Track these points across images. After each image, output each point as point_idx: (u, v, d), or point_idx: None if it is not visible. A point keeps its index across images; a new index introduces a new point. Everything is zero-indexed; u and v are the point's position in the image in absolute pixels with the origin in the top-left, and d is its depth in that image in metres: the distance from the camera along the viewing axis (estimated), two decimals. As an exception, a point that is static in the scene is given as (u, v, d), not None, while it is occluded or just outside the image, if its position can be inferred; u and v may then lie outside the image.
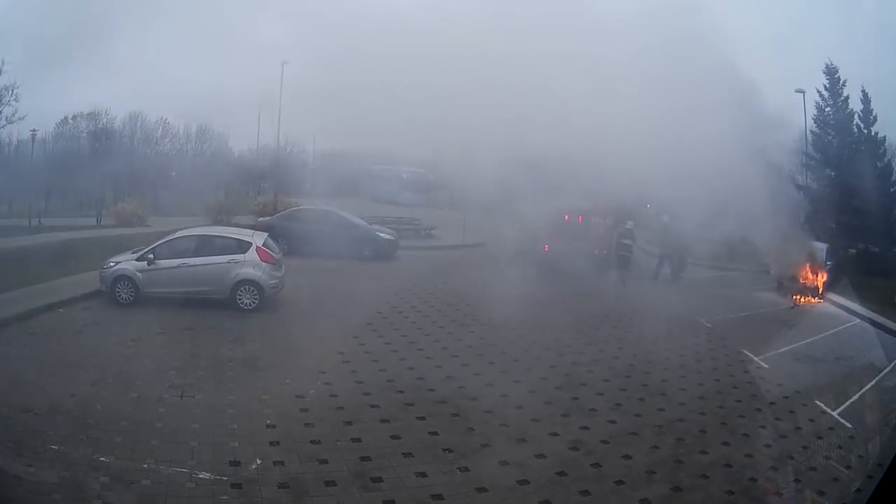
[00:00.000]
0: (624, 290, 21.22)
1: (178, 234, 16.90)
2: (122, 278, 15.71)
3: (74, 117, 35.42)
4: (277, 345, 13.60)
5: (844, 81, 29.99)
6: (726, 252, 22.73)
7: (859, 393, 12.53)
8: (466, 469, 8.85)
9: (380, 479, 8.42)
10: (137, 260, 15.89)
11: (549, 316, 17.48)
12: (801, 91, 24.64)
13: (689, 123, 16.19)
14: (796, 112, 24.78)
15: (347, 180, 26.91)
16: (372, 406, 10.75)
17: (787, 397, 12.40)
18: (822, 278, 21.10)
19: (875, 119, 29.46)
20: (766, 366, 14.18)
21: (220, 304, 15.87)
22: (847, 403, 11.97)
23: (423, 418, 10.41)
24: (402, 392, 11.44)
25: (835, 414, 11.56)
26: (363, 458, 8.91)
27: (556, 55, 17.00)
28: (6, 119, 26.43)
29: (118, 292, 15.72)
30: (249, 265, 15.99)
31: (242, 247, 16.26)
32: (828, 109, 29.92)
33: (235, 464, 8.50)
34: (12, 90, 25.19)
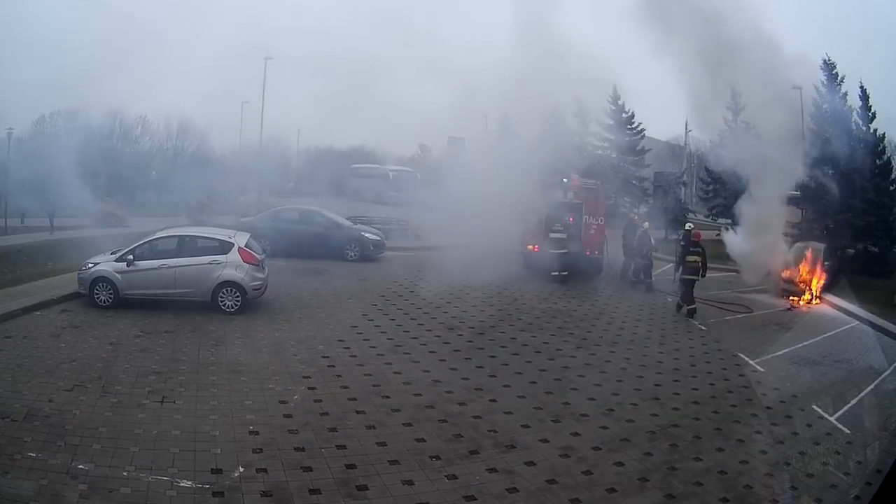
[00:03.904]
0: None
1: (158, 235, 16.64)
2: (101, 280, 15.48)
3: (52, 115, 35.09)
4: (260, 348, 13.41)
5: (843, 77, 29.96)
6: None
7: (858, 397, 12.37)
8: (454, 477, 8.70)
9: (365, 487, 8.27)
10: (117, 261, 15.64)
11: (539, 318, 17.35)
12: (798, 87, 24.46)
13: None
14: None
15: (332, 179, 26.77)
16: (357, 412, 10.57)
17: (783, 402, 12.22)
18: (819, 279, 20.98)
19: (874, 116, 29.39)
20: (762, 369, 14.03)
21: (201, 306, 15.65)
22: (845, 408, 11.81)
23: (409, 424, 10.25)
24: (388, 397, 11.28)
25: (832, 419, 11.38)
26: (348, 466, 8.76)
27: None
28: None
29: (97, 294, 15.48)
30: (231, 266, 15.72)
31: (224, 247, 16.00)
32: (825, 106, 29.79)
33: (217, 471, 8.35)
34: None
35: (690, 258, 18.85)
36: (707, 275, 19.39)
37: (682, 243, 20.78)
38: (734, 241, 23.18)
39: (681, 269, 19.29)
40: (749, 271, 22.17)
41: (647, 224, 23.37)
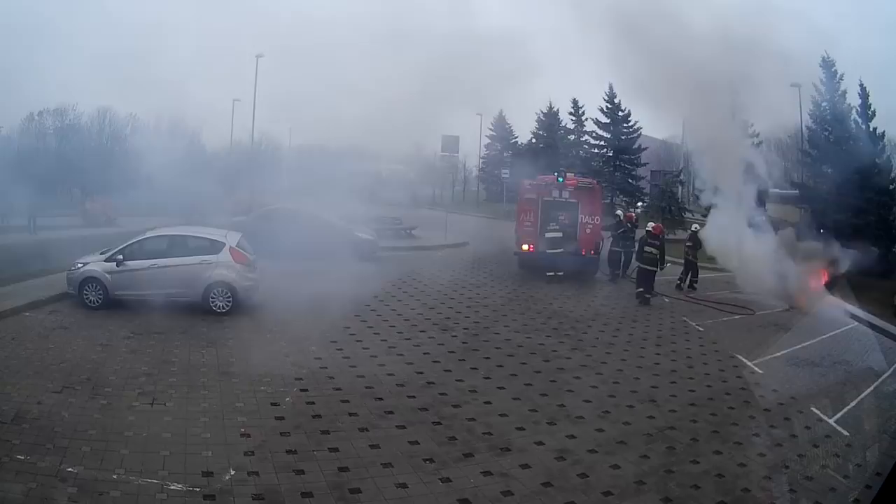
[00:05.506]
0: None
1: (148, 234, 16.49)
2: (91, 280, 15.32)
3: (40, 113, 34.92)
4: (252, 350, 13.23)
5: (842, 75, 29.87)
6: None
7: (857, 399, 12.28)
8: (448, 480, 8.61)
9: (358, 491, 8.17)
10: (106, 261, 15.49)
11: (535, 319, 17.25)
12: (797, 85, 24.37)
13: None
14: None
15: (325, 178, 26.65)
16: (350, 414, 10.46)
17: (781, 404, 12.13)
18: (818, 280, 20.90)
19: (874, 114, 29.29)
20: (761, 371, 13.94)
21: (192, 306, 15.51)
22: (844, 410, 11.71)
23: (403, 427, 10.14)
24: (381, 399, 11.16)
25: (832, 421, 11.28)
26: (341, 469, 8.66)
27: None
28: None
29: (86, 295, 15.31)
30: (223, 266, 15.60)
31: (215, 247, 15.88)
32: (825, 104, 29.70)
33: (208, 474, 8.26)
34: None
35: (647, 249, 20.35)
36: (666, 267, 21.45)
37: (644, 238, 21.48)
38: (712, 234, 22.80)
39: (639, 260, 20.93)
40: (742, 273, 21.94)
41: (630, 214, 23.48)
